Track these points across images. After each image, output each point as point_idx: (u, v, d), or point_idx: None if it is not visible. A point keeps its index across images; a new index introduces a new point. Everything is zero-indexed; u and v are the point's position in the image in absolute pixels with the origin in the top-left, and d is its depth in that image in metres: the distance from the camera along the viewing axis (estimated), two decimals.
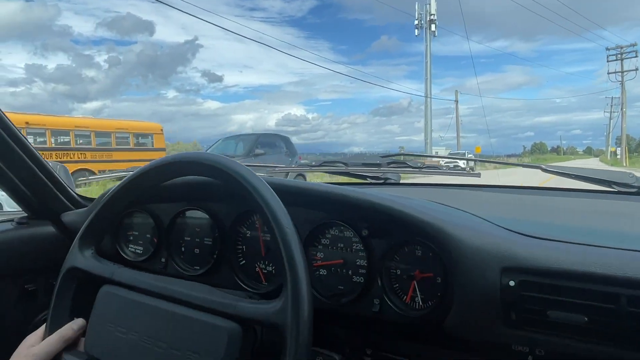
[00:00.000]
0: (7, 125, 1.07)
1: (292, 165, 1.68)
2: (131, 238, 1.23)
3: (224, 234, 1.04)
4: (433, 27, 22.45)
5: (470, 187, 1.28)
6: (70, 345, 0.78)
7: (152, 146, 15.02)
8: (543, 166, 1.16)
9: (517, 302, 0.70)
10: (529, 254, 0.71)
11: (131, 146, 14.22)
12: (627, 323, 0.64)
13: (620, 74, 36.45)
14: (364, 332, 0.93)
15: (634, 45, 35.13)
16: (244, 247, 1.04)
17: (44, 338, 0.77)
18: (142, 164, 0.84)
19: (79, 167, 11.66)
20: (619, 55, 36.04)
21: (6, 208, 1.30)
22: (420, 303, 0.84)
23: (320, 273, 0.94)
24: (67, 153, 12.12)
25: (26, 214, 1.28)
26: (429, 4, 22.63)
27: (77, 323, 0.79)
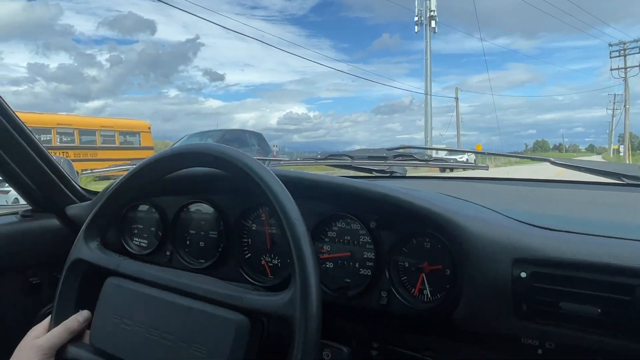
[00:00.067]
0: (13, 119, 1.07)
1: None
2: (136, 231, 1.22)
3: (229, 227, 1.04)
4: (433, 23, 22.33)
5: (479, 179, 1.27)
6: (76, 337, 0.78)
7: (140, 144, 14.66)
8: (551, 159, 1.15)
9: (528, 293, 0.69)
10: (540, 245, 0.70)
11: (117, 145, 13.85)
12: None
13: (623, 70, 36.28)
14: (371, 325, 0.93)
15: (637, 40, 34.92)
16: (249, 240, 1.03)
17: (49, 330, 0.77)
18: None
19: None
20: (622, 51, 35.83)
21: (22, 202, 1.30)
22: (429, 295, 0.83)
23: (327, 266, 0.93)
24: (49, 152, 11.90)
25: (30, 207, 1.27)
26: (429, 0, 22.49)
27: (83, 315, 0.79)
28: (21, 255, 1.19)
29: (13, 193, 1.42)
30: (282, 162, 1.57)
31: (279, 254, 0.99)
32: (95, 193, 1.33)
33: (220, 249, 1.04)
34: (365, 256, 0.89)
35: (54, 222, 1.26)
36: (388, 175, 1.40)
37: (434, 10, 22.32)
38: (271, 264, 1.00)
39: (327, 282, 0.92)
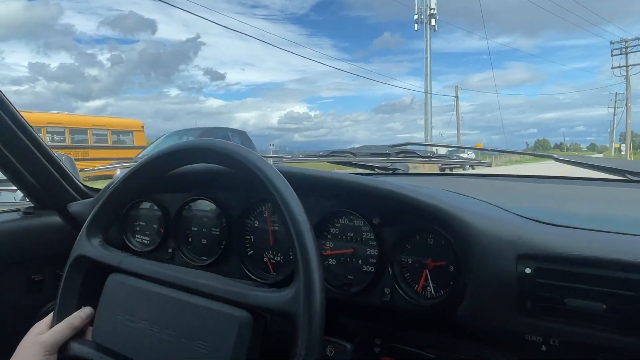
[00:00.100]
0: (15, 117, 1.08)
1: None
2: (138, 228, 1.22)
3: (231, 224, 1.03)
4: (433, 21, 22.22)
5: (482, 176, 1.27)
6: (78, 334, 0.78)
7: (133, 144, 14.24)
8: (555, 155, 1.15)
9: (533, 290, 0.69)
10: (545, 241, 0.70)
11: (109, 144, 13.47)
12: None
13: (624, 68, 36.16)
14: (374, 321, 0.92)
15: (639, 38, 34.78)
16: (251, 237, 1.03)
17: (51, 326, 0.77)
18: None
19: None
20: (624, 49, 35.70)
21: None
22: (432, 292, 0.83)
23: (330, 263, 0.93)
24: None
25: (32, 204, 1.27)
26: None
27: (85, 311, 0.79)
28: (23, 252, 1.19)
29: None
30: (284, 159, 1.57)
31: (282, 251, 0.99)
32: (97, 190, 1.33)
33: (222, 246, 1.03)
34: (368, 253, 0.89)
35: (56, 219, 1.26)
36: (390, 172, 1.40)
37: (434, 9, 22.22)
38: (274, 261, 1.00)
39: (330, 278, 0.92)
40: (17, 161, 1.13)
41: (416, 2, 22.88)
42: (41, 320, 0.79)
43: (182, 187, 1.10)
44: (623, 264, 0.64)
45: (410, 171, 1.45)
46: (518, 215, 0.78)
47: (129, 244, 1.21)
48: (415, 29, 22.83)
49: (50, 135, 12.25)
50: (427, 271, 0.83)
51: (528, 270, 0.69)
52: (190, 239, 1.11)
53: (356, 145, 1.47)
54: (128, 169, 0.81)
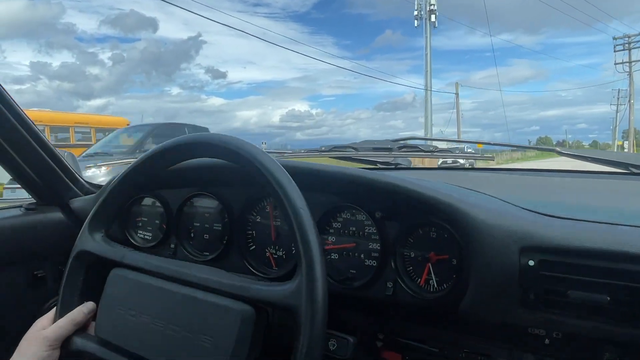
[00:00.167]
0: (18, 114, 1.08)
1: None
2: (140, 224, 1.22)
3: (233, 219, 1.03)
4: (433, 17, 22.10)
5: (485, 170, 1.26)
6: (81, 329, 0.78)
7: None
8: (558, 149, 1.14)
9: (536, 282, 0.69)
10: (548, 233, 0.69)
11: (93, 142, 12.45)
12: None
13: (627, 64, 35.94)
14: (376, 316, 0.92)
15: None
16: (254, 232, 1.03)
17: (54, 321, 0.77)
18: None
19: None
20: (627, 45, 35.47)
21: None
22: (435, 286, 0.82)
23: (332, 257, 0.93)
24: None
25: (34, 200, 1.27)
26: None
27: (88, 306, 0.79)
28: (26, 248, 1.20)
29: None
30: (286, 154, 1.56)
31: (284, 246, 0.99)
32: (100, 186, 1.33)
33: (224, 242, 1.03)
34: (370, 247, 0.89)
35: (58, 215, 1.26)
36: (393, 167, 1.39)
37: (434, 4, 22.11)
38: (276, 256, 1.00)
39: (332, 273, 0.91)
40: (20, 157, 1.14)
41: None
42: (44, 316, 0.79)
43: (184, 183, 1.10)
44: (627, 255, 0.64)
45: (413, 166, 1.44)
46: (521, 207, 0.78)
47: (131, 239, 1.21)
48: (415, 25, 22.72)
49: None
50: (430, 265, 0.83)
51: (531, 263, 0.69)
52: (192, 235, 1.11)
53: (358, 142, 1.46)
54: (129, 165, 0.81)
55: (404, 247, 0.85)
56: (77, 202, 1.27)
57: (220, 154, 0.71)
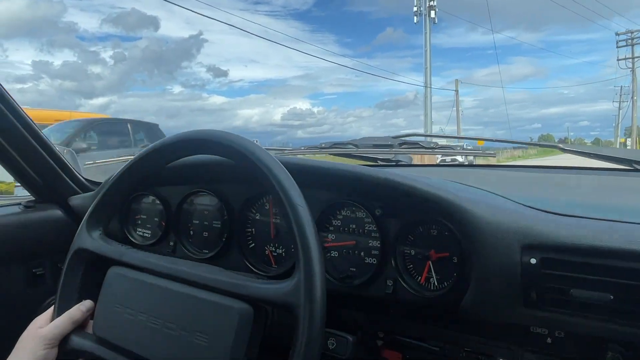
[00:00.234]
0: (17, 112, 1.08)
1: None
2: (139, 222, 1.21)
3: (233, 216, 1.03)
4: (433, 13, 22.00)
5: (487, 167, 1.25)
6: (79, 327, 0.77)
7: None
8: (561, 145, 1.13)
9: (538, 280, 0.68)
10: (551, 231, 0.68)
11: None
12: None
13: (630, 60, 35.74)
14: (377, 314, 0.91)
15: None
16: (253, 229, 1.02)
17: (52, 320, 0.76)
18: None
19: None
20: (630, 41, 35.25)
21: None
22: (436, 284, 0.82)
23: (332, 255, 0.92)
24: None
25: (33, 198, 1.27)
26: None
27: (86, 305, 0.78)
28: (24, 246, 1.19)
29: None
30: (286, 151, 1.56)
31: (283, 244, 0.98)
32: (99, 184, 1.33)
33: (224, 239, 1.03)
34: (370, 244, 0.88)
35: (56, 212, 1.26)
36: (393, 164, 1.38)
37: (433, 1, 22.00)
38: (275, 254, 0.99)
39: (332, 271, 0.91)
40: (19, 155, 1.13)
41: None
42: (42, 314, 0.79)
43: (183, 180, 1.09)
44: (631, 253, 0.63)
45: (414, 163, 1.43)
46: (523, 205, 0.77)
47: (130, 237, 1.20)
48: (415, 21, 22.61)
49: None
50: (431, 262, 0.82)
51: (533, 261, 0.68)
52: (191, 232, 1.11)
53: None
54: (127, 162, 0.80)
55: (404, 244, 0.85)
56: (76, 200, 1.26)
57: (218, 151, 0.71)
